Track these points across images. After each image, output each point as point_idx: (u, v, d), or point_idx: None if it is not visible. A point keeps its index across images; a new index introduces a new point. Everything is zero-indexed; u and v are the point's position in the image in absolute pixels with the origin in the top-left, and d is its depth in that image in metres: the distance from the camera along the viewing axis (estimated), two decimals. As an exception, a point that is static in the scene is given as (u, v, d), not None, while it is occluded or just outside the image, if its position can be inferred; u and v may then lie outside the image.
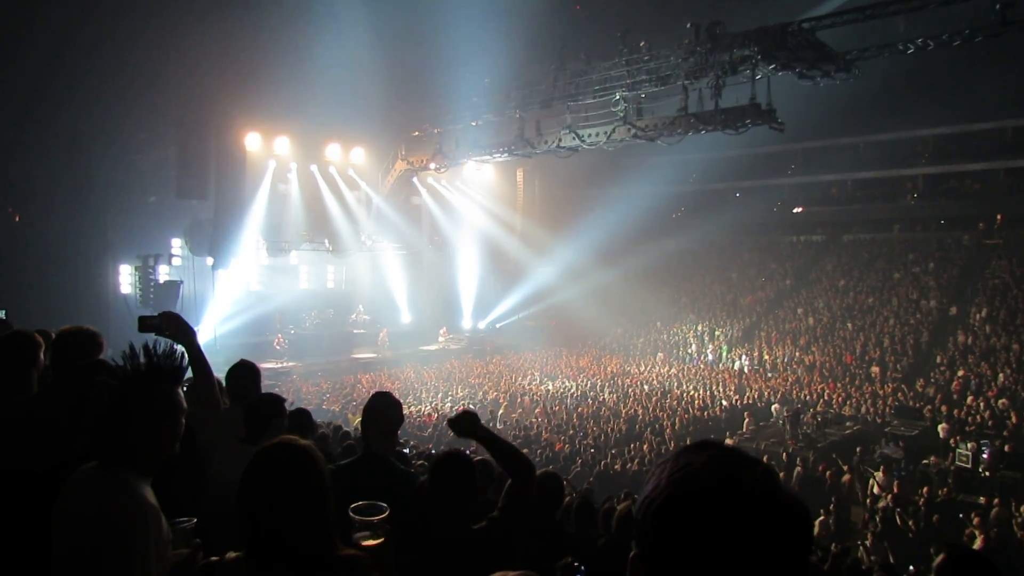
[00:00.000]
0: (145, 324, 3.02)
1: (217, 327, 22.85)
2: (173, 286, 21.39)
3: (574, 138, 21.08)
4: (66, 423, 2.56)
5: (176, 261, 23.42)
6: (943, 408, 18.33)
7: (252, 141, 23.10)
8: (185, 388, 2.32)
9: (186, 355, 2.14)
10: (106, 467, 1.90)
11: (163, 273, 22.14)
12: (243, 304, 25.51)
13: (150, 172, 22.77)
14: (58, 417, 2.60)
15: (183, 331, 3.02)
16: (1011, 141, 28.93)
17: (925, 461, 14.61)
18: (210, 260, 22.96)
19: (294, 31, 21.46)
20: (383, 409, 3.41)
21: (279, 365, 23.62)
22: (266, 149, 24.99)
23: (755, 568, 0.83)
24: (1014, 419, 17.02)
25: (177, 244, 23.90)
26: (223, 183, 22.21)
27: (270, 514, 1.67)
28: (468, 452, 3.39)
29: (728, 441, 15.08)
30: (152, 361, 1.97)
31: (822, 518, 11.49)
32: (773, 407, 19.31)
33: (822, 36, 17.12)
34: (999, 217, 30.57)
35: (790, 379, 22.82)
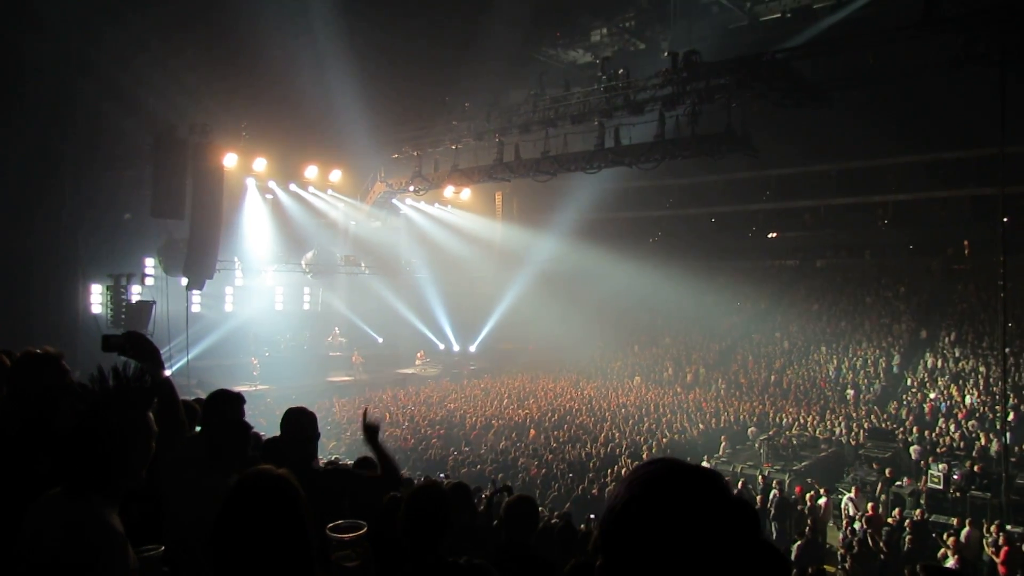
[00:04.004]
0: (109, 343, 2.95)
1: (190, 349, 22.53)
2: (145, 306, 21.05)
3: (552, 163, 21.28)
4: (22, 447, 2.49)
5: (149, 281, 23.06)
6: (915, 430, 18.59)
7: (230, 161, 22.98)
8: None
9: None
10: (72, 493, 1.84)
11: (135, 293, 21.79)
12: (217, 326, 25.20)
13: (124, 190, 22.51)
14: (11, 441, 2.52)
15: (147, 352, 2.91)
16: (976, 170, 29.69)
17: (898, 483, 14.77)
18: (184, 280, 22.69)
19: (273, 51, 21.49)
20: (298, 421, 3.80)
21: (252, 388, 23.30)
22: (244, 169, 24.86)
23: (708, 559, 0.89)
24: (983, 440, 17.30)
25: (150, 264, 23.59)
26: (199, 202, 21.99)
27: (249, 547, 1.63)
28: (443, 480, 3.43)
29: (704, 464, 15.17)
30: (122, 384, 1.93)
31: (799, 541, 11.54)
32: (749, 430, 19.44)
33: (803, 67, 17.55)
34: (966, 243, 31.34)
35: (766, 402, 23.00)
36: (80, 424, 1.90)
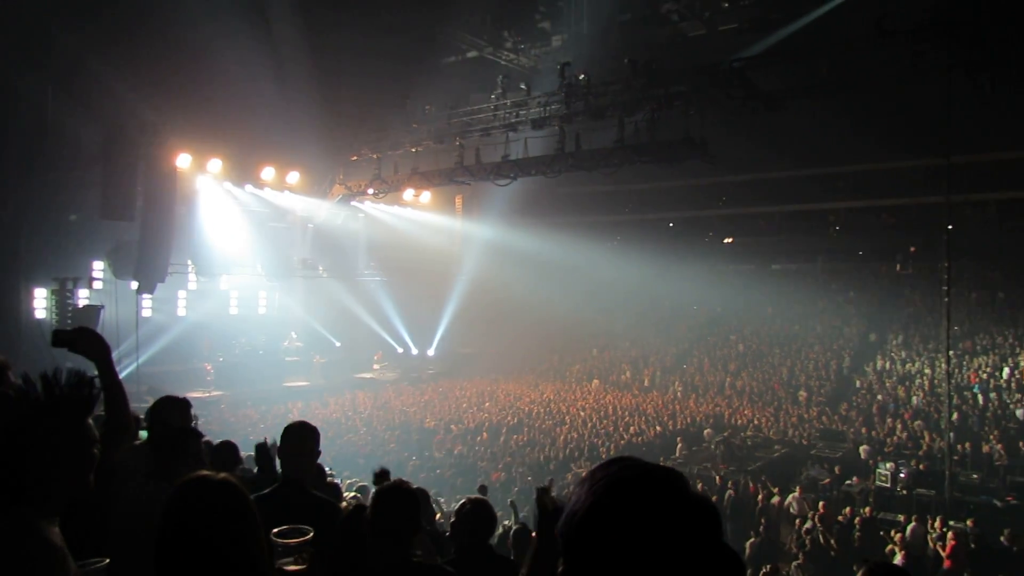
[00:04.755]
0: (58, 338, 2.85)
1: (140, 354, 21.94)
2: (93, 310, 20.41)
3: (513, 167, 21.31)
4: None
5: (97, 285, 22.37)
6: (864, 430, 19.11)
7: (183, 161, 22.45)
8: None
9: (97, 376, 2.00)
10: (3, 507, 1.73)
11: (82, 297, 21.13)
12: (169, 330, 24.60)
13: (70, 191, 21.80)
14: None
15: (97, 348, 2.82)
16: (923, 179, 30.67)
17: (848, 482, 15.15)
18: (134, 284, 22.07)
19: (228, 51, 21.05)
20: (299, 436, 3.42)
21: (206, 394, 22.81)
22: (198, 170, 24.34)
23: (671, 560, 0.90)
24: (928, 440, 17.85)
25: (99, 267, 22.91)
26: (151, 204, 21.42)
27: (189, 556, 1.57)
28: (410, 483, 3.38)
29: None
30: (53, 392, 1.81)
31: (753, 539, 11.75)
32: (705, 431, 19.73)
33: (760, 76, 17.89)
34: (912, 249, 32.36)
35: (721, 404, 23.36)
36: (5, 434, 1.78)
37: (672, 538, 0.90)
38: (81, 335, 2.88)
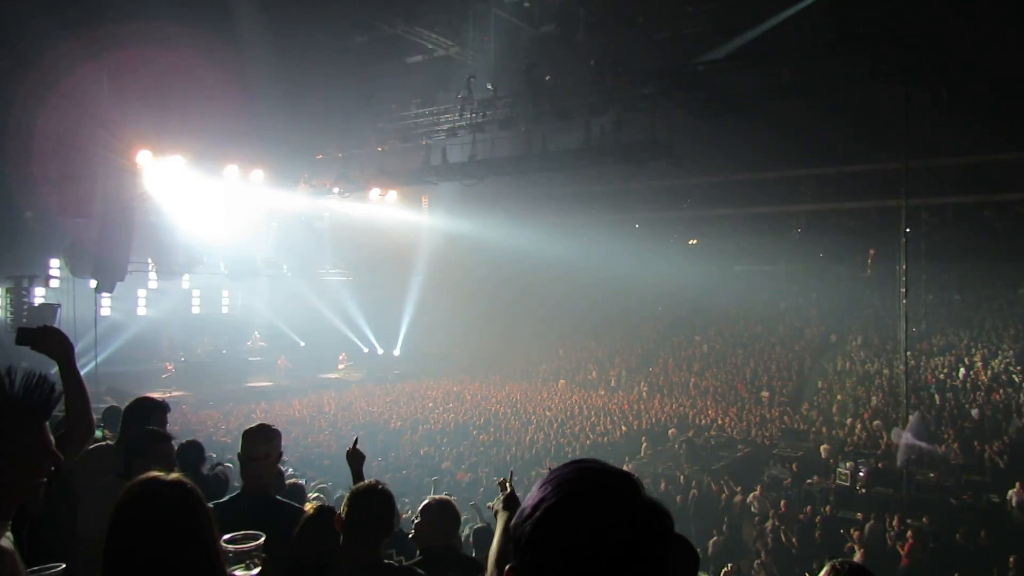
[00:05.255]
0: (22, 336, 2.79)
1: (98, 354, 21.43)
2: (49, 309, 19.91)
3: (480, 167, 21.27)
4: None
5: (54, 283, 21.87)
6: (824, 430, 19.47)
7: (144, 159, 21.96)
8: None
9: (59, 377, 1.93)
10: None
11: (38, 295, 20.60)
12: (128, 330, 24.08)
13: (27, 187, 21.20)
14: None
15: (60, 347, 2.76)
16: (881, 183, 31.36)
17: (809, 480, 15.41)
18: (93, 283, 21.56)
19: (190, 46, 20.66)
20: (260, 440, 3.34)
21: (167, 394, 22.37)
22: (159, 167, 23.83)
23: (622, 560, 0.91)
24: (886, 439, 18.25)
25: (55, 265, 22.33)
26: (110, 201, 20.94)
27: (138, 561, 1.53)
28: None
29: (626, 466, 15.44)
30: (5, 394, 1.73)
31: (716, 538, 11.88)
32: (670, 431, 19.90)
33: (723, 79, 18.13)
34: (871, 252, 33.10)
35: (685, 403, 23.61)
36: None
37: (622, 540, 0.92)
38: (45, 333, 2.81)
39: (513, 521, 1.00)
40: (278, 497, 3.49)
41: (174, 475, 1.67)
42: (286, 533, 2.89)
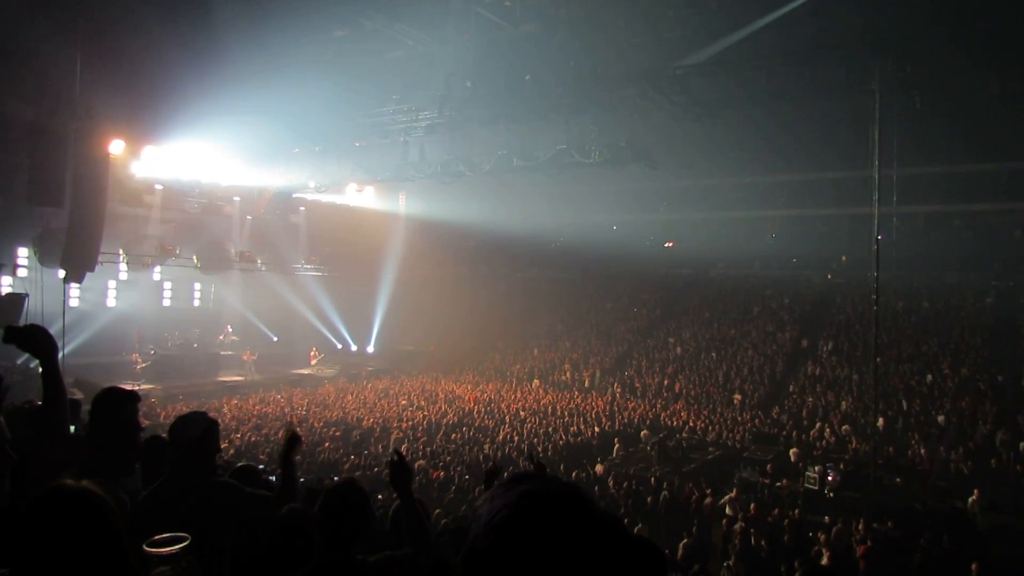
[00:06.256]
0: (9, 334, 2.77)
1: (65, 345, 21.01)
2: (17, 299, 19.48)
3: (458, 165, 21.23)
4: None
5: (21, 272, 21.41)
6: (794, 434, 19.69)
7: (116, 148, 21.56)
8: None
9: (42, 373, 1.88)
10: None
11: (6, 284, 20.16)
12: (96, 321, 23.65)
13: (-5, 175, 20.77)
14: None
15: (44, 346, 2.77)
16: (854, 190, 31.87)
17: (779, 484, 15.56)
18: (61, 273, 21.14)
19: (165, 36, 20.34)
20: (186, 426, 3.35)
21: (135, 387, 21.97)
22: (132, 157, 23.43)
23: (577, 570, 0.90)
24: (854, 443, 18.52)
25: (24, 254, 21.87)
26: (81, 190, 20.52)
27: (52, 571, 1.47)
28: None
29: (599, 468, 15.48)
30: None
31: (686, 540, 11.94)
32: (642, 433, 20.00)
33: (701, 84, 18.28)
34: (843, 258, 33.61)
35: (658, 406, 23.74)
36: None
37: (576, 557, 0.90)
38: (31, 333, 2.80)
39: (471, 534, 0.97)
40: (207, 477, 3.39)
41: (84, 482, 1.59)
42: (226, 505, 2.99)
